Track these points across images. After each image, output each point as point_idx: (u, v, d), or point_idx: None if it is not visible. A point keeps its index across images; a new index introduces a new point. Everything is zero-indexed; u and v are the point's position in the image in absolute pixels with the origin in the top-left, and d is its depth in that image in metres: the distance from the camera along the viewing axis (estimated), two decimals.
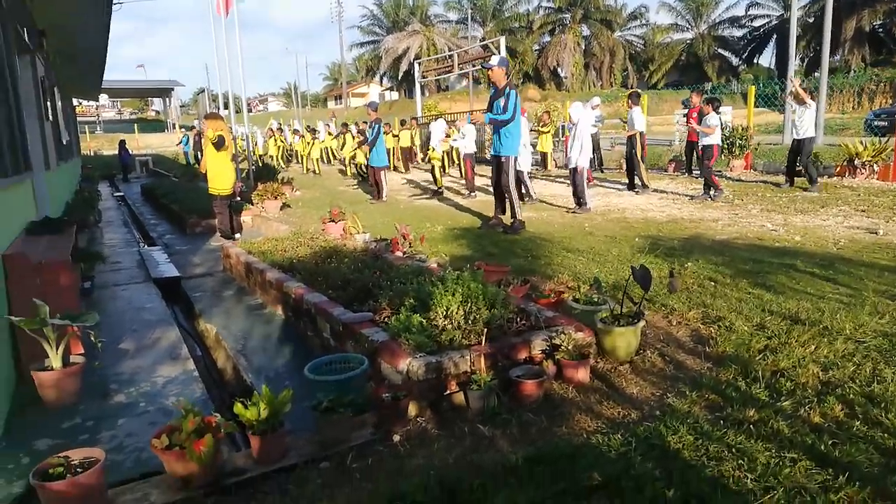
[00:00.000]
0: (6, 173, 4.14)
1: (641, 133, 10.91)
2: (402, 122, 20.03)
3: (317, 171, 19.20)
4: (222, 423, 2.57)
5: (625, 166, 11.21)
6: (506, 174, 7.50)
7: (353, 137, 18.70)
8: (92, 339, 3.60)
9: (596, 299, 3.85)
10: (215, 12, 13.62)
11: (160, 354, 4.26)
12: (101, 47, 12.82)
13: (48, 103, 8.76)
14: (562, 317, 3.64)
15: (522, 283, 4.45)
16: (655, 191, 10.65)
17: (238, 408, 2.59)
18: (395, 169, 19.29)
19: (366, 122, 16.68)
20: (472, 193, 11.34)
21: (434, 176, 12.64)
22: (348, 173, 18.35)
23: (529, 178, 10.69)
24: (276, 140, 23.86)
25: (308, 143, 20.18)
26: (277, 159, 22.84)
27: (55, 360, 3.46)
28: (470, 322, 3.37)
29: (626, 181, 11.02)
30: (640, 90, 12.22)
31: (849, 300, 4.00)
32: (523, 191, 10.21)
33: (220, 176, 8.54)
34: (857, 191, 8.94)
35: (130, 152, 23.65)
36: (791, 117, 10.24)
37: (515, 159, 7.61)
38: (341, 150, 20.42)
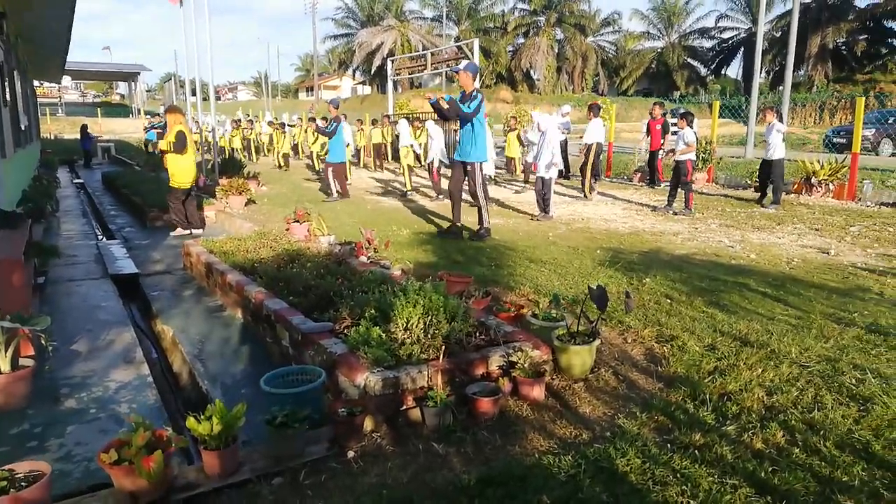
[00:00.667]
0: None
1: (599, 144, 11.10)
2: (374, 121, 19.93)
3: (283, 166, 18.98)
4: (173, 437, 2.55)
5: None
6: (473, 181, 7.53)
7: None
8: (43, 342, 3.52)
9: (554, 315, 3.91)
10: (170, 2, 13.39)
11: (114, 357, 4.18)
12: (65, 29, 12.50)
13: (6, 88, 8.49)
14: (521, 332, 3.69)
15: (484, 296, 4.49)
16: (617, 201, 10.82)
17: (191, 422, 2.57)
18: (366, 167, 19.23)
19: (325, 118, 16.62)
20: (440, 196, 11.37)
21: (405, 176, 12.66)
22: (316, 167, 18.22)
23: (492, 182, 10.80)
24: (241, 131, 23.53)
25: (280, 136, 19.94)
26: (241, 152, 22.52)
27: (3, 363, 3.38)
28: (429, 336, 3.39)
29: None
30: (600, 103, 12.38)
31: (797, 322, 4.14)
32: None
33: (183, 171, 8.43)
34: (813, 209, 9.23)
35: (93, 138, 23.06)
36: (755, 131, 10.52)
37: (482, 165, 7.64)
38: (311, 144, 20.25)
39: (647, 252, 6.68)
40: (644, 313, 4.40)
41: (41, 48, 14.24)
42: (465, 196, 7.90)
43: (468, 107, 7.23)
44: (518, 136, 14.66)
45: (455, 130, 11.03)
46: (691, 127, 9.37)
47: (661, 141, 12.09)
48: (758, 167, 10.94)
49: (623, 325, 4.15)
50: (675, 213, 9.12)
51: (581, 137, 13.15)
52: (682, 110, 13.03)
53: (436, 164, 11.84)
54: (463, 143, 7.50)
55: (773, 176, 9.64)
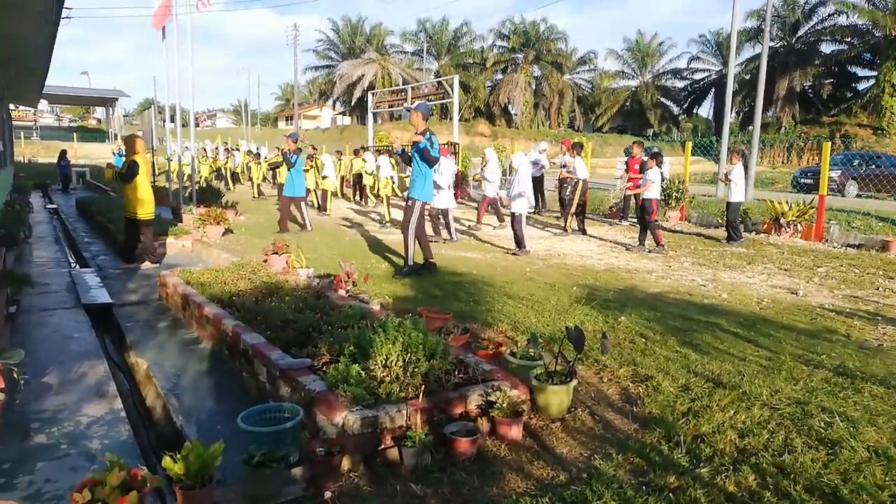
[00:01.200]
0: None
1: (585, 180, 11.36)
2: (356, 152, 20.07)
3: (256, 196, 18.99)
4: (148, 476, 2.52)
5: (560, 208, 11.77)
6: (406, 217, 7.49)
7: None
8: (14, 376, 3.46)
9: (532, 354, 3.95)
10: (151, 27, 13.48)
11: (86, 390, 4.12)
12: (45, 55, 12.44)
13: None
14: (499, 370, 3.72)
15: (463, 332, 4.53)
16: (593, 238, 11.00)
17: (167, 461, 2.55)
18: (345, 197, 19.27)
19: (314, 147, 16.73)
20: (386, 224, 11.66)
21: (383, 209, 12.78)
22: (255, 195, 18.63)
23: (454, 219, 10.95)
24: (208, 161, 23.53)
25: (257, 165, 19.94)
26: (210, 180, 22.48)
27: None
28: (408, 374, 3.41)
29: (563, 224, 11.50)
30: (582, 142, 12.68)
31: (767, 363, 4.24)
32: (445, 232, 10.53)
33: (135, 201, 8.23)
34: (782, 249, 9.46)
35: (70, 163, 22.83)
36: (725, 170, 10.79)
37: (423, 204, 7.57)
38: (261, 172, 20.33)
39: (622, 289, 6.78)
40: (620, 352, 4.46)
41: (19, 73, 14.14)
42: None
43: (434, 148, 7.28)
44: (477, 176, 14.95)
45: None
46: (660, 167, 9.61)
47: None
48: None
49: (599, 364, 4.21)
50: (649, 252, 9.29)
51: (559, 173, 13.45)
52: (654, 149, 13.38)
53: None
54: (413, 182, 7.50)
55: (729, 216, 9.95)
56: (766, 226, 10.92)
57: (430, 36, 58.93)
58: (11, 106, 24.89)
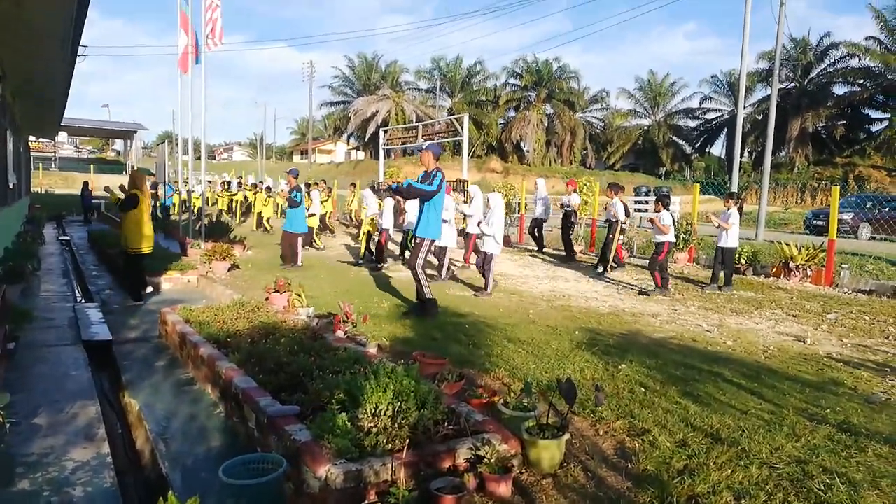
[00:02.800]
0: None
1: (620, 222, 11.33)
2: (353, 185, 20.28)
3: (268, 229, 19.10)
4: None
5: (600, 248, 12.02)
6: (415, 255, 7.52)
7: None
8: (0, 419, 3.44)
9: (526, 404, 3.87)
10: (178, 65, 13.78)
11: (75, 433, 4.08)
12: (63, 90, 12.73)
13: None
14: (491, 422, 3.64)
15: (458, 379, 4.46)
16: (599, 279, 10.91)
17: None
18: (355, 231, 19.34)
19: (324, 181, 16.89)
20: (381, 265, 11.72)
21: (368, 245, 12.77)
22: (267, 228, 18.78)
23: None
24: (227, 194, 23.81)
25: (263, 201, 20.10)
26: (226, 213, 22.74)
27: None
28: (397, 425, 3.34)
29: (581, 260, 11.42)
30: (619, 182, 12.74)
31: (769, 418, 4.12)
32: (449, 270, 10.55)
33: (136, 234, 8.35)
34: (791, 294, 9.33)
35: (93, 195, 23.18)
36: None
37: (432, 242, 7.62)
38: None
39: (625, 334, 6.69)
40: (618, 402, 4.37)
41: (38, 106, 14.47)
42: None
43: (431, 184, 7.33)
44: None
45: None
46: (667, 209, 9.56)
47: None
48: (742, 248, 11.19)
49: (596, 416, 4.11)
50: (648, 293, 9.18)
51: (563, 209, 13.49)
52: (663, 190, 13.34)
53: (386, 234, 12.12)
54: (420, 218, 7.54)
55: (724, 262, 9.81)
56: (775, 269, 10.78)
57: (444, 74, 59.86)
58: (31, 137, 25.43)
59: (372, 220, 12.73)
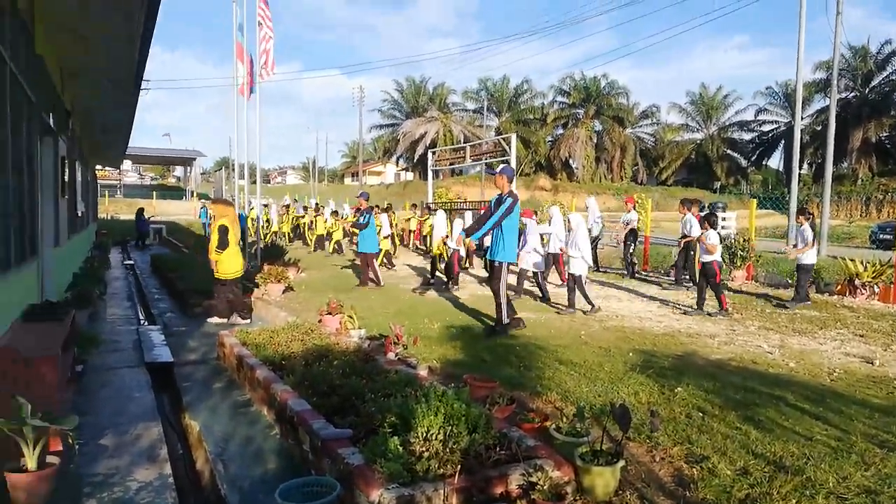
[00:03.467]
0: (8, 265, 4.25)
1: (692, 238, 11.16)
2: (414, 206, 20.48)
3: (325, 249, 19.45)
4: None
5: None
6: (497, 279, 7.61)
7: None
8: (70, 441, 3.59)
9: (579, 429, 3.82)
10: (238, 93, 14.28)
11: (139, 454, 4.22)
12: (128, 122, 13.37)
13: (66, 179, 9.06)
14: (543, 447, 3.61)
15: (508, 403, 4.43)
16: (654, 299, 10.69)
17: None
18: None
19: (390, 204, 17.20)
20: (455, 286, 11.80)
21: (434, 266, 12.86)
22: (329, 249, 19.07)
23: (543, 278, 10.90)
24: (288, 215, 24.36)
25: (325, 224, 20.49)
26: (288, 235, 23.27)
27: (31, 460, 3.44)
28: (448, 449, 3.34)
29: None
30: (698, 199, 12.63)
31: (836, 444, 3.94)
32: (541, 292, 10.57)
33: (227, 263, 8.69)
34: (857, 312, 8.93)
35: (147, 220, 24.14)
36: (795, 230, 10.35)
37: (508, 265, 7.73)
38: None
39: (680, 356, 6.52)
40: (674, 428, 4.26)
41: (104, 138, 15.24)
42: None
43: (499, 211, 7.40)
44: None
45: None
46: (714, 228, 9.33)
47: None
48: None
49: (652, 441, 4.02)
50: (710, 314, 8.93)
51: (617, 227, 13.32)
52: (719, 204, 13.05)
53: (458, 254, 12.16)
54: (493, 243, 7.65)
55: (798, 277, 9.61)
56: (839, 287, 10.36)
57: (491, 94, 60.23)
58: (98, 166, 26.71)
59: (442, 241, 12.89)
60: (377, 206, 19.35)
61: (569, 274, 9.40)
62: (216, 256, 8.66)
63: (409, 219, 20.78)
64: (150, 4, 5.15)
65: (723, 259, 12.02)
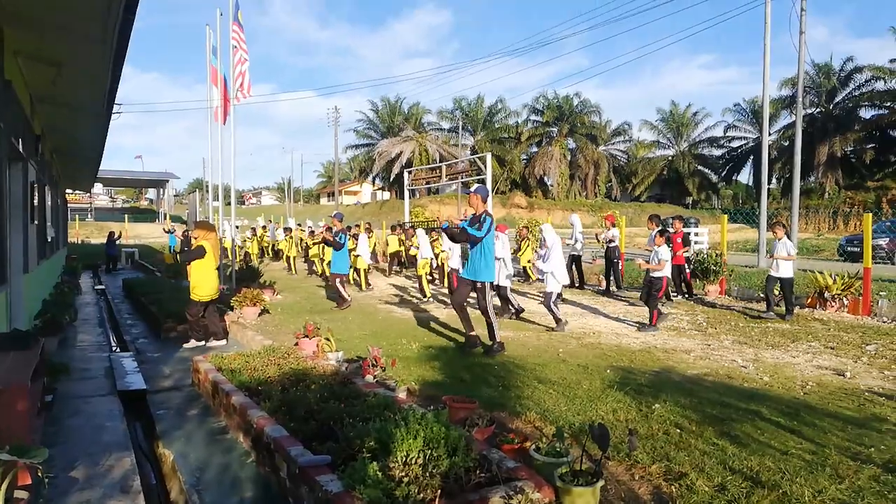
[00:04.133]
0: None
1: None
2: (393, 228, 20.45)
3: (294, 272, 19.34)
4: None
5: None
6: (484, 299, 7.67)
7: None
8: (39, 474, 3.49)
9: (558, 449, 3.82)
10: (213, 118, 14.21)
11: (111, 485, 4.11)
12: (99, 145, 13.20)
13: (36, 204, 8.91)
14: (523, 468, 3.60)
15: (488, 424, 4.42)
16: (629, 315, 10.78)
17: None
18: (383, 272, 19.48)
19: (369, 223, 17.15)
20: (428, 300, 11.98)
21: (421, 285, 12.85)
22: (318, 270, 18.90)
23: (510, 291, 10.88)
24: (259, 238, 24.20)
25: (294, 244, 20.39)
26: (255, 258, 23.11)
27: None
28: (428, 474, 3.32)
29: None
30: (659, 215, 12.73)
31: (811, 458, 4.00)
32: (513, 307, 10.50)
33: (204, 283, 8.63)
34: (828, 325, 9.10)
35: (117, 244, 23.79)
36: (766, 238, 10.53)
37: (492, 284, 7.78)
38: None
39: (657, 372, 6.58)
40: (653, 445, 4.28)
41: (75, 161, 15.02)
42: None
43: (478, 230, 7.47)
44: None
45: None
46: (668, 244, 9.47)
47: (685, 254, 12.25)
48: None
49: (631, 460, 4.03)
50: (641, 328, 9.06)
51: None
52: (671, 221, 13.27)
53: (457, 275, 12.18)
54: (473, 262, 7.68)
55: (784, 292, 9.75)
56: (809, 300, 10.55)
57: (466, 113, 60.73)
58: (68, 189, 26.30)
59: (426, 261, 12.88)
60: (358, 226, 19.37)
61: (544, 291, 9.43)
62: (195, 272, 8.65)
63: (393, 240, 20.69)
64: (121, 30, 5.12)
65: (695, 273, 12.26)
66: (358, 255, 14.87)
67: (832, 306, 10.08)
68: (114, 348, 9.06)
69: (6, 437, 3.57)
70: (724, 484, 3.62)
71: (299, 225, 25.30)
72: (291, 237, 20.83)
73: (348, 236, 12.87)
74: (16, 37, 5.57)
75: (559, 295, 9.48)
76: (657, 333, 8.82)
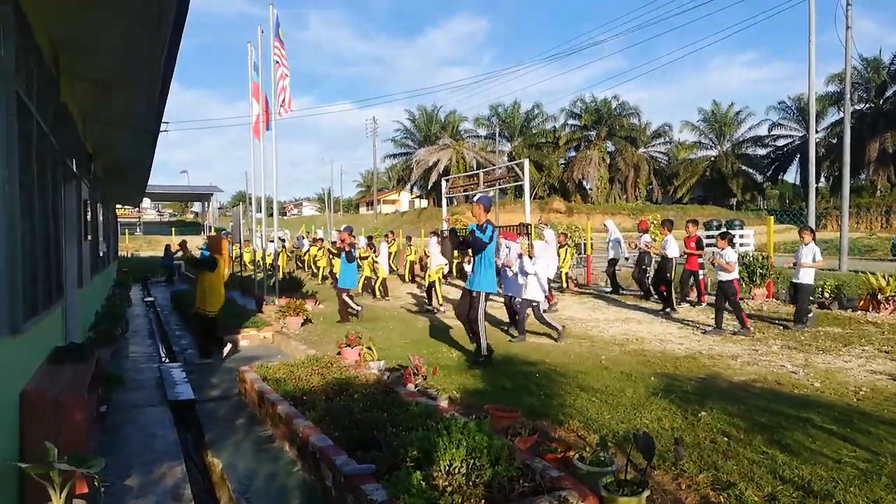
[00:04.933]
0: (35, 310, 4.34)
1: (673, 258, 11.19)
2: (436, 234, 20.57)
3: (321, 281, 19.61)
4: None
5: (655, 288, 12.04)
6: (475, 309, 7.57)
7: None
8: (95, 483, 3.62)
9: (602, 458, 3.79)
10: (252, 134, 14.55)
11: (164, 493, 4.24)
12: (147, 162, 13.63)
13: (88, 221, 9.25)
14: (567, 478, 3.58)
15: (531, 433, 4.41)
16: (674, 320, 10.61)
17: None
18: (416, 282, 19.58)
19: (391, 231, 17.24)
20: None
21: (429, 295, 12.88)
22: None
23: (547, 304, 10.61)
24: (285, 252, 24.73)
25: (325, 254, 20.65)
26: (283, 270, 23.55)
27: None
28: (471, 483, 3.33)
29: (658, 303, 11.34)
30: (672, 218, 12.60)
31: (865, 467, 3.87)
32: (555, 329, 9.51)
33: (208, 296, 8.77)
34: (882, 328, 8.79)
35: (173, 257, 24.50)
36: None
37: (487, 295, 7.66)
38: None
39: (703, 378, 6.46)
40: (699, 454, 4.21)
41: (124, 178, 15.53)
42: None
43: (486, 236, 7.39)
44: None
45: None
46: (732, 246, 9.28)
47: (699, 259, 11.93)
48: (825, 280, 10.75)
49: (677, 469, 3.97)
50: (734, 334, 8.84)
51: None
52: (735, 222, 12.99)
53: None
54: (474, 273, 7.62)
55: (798, 298, 9.33)
56: (862, 302, 10.21)
57: (503, 119, 60.67)
58: (118, 205, 27.20)
59: (439, 268, 12.89)
60: (387, 236, 19.51)
61: (524, 299, 9.13)
62: (203, 283, 8.85)
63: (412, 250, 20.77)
64: (168, 51, 5.30)
65: (741, 277, 11.97)
66: (378, 265, 14.98)
67: (886, 308, 9.73)
68: (163, 359, 9.32)
69: (65, 446, 3.71)
70: (774, 494, 3.53)
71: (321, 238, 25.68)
72: (321, 248, 21.11)
73: (367, 247, 12.93)
74: (69, 60, 5.81)
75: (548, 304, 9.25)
76: (721, 337, 8.83)
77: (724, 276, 9.04)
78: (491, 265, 7.58)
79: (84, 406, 4.16)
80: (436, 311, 12.55)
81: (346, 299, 11.89)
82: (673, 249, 11.33)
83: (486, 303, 7.69)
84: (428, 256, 14.00)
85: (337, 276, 19.48)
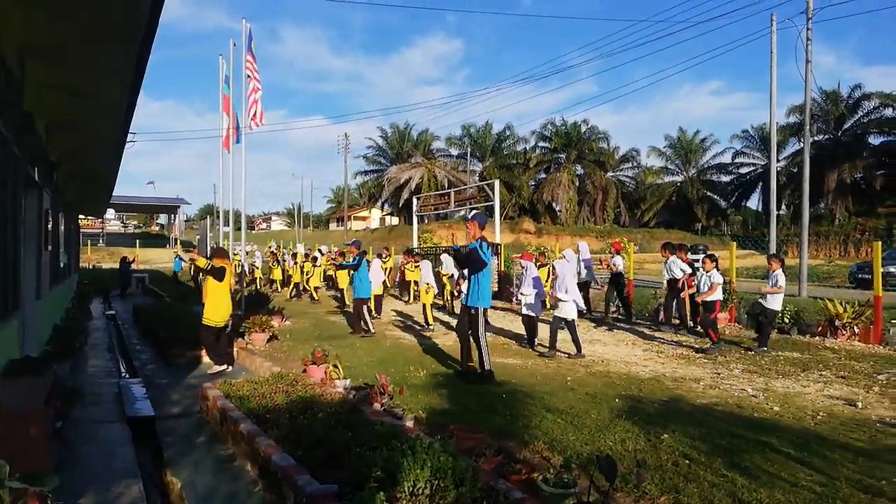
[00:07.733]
0: None
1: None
2: (407, 253, 20.52)
3: (315, 298, 19.31)
4: None
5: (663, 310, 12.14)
6: (475, 326, 7.65)
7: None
8: (49, 503, 3.51)
9: (566, 480, 3.81)
10: (223, 146, 14.44)
11: None
12: (112, 172, 13.41)
13: (49, 231, 9.04)
14: (531, 499, 3.59)
15: (495, 454, 4.40)
16: (638, 342, 10.74)
17: None
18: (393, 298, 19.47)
19: (386, 247, 17.18)
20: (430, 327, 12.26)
21: (425, 314, 12.84)
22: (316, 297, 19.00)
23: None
24: (270, 263, 24.40)
25: (307, 271, 20.42)
26: (260, 285, 23.28)
27: None
28: None
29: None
30: (672, 242, 12.82)
31: (821, 490, 3.96)
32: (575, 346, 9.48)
33: (217, 309, 8.71)
34: (839, 353, 9.03)
35: (129, 270, 24.00)
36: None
37: (485, 310, 7.81)
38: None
39: (666, 401, 6.54)
40: (661, 476, 4.25)
41: (89, 187, 15.24)
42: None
43: (486, 255, 7.52)
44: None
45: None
46: (717, 268, 9.84)
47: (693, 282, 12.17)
48: (784, 306, 11.00)
49: (639, 491, 4.01)
50: (698, 351, 9.12)
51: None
52: (700, 247, 13.28)
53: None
54: (470, 289, 7.70)
55: (762, 320, 9.54)
56: (820, 328, 10.48)
57: (475, 140, 61.23)
58: (80, 215, 26.60)
59: (428, 287, 12.92)
60: (381, 253, 19.52)
61: (556, 317, 9.47)
62: (211, 295, 8.80)
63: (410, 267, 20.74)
64: (137, 62, 5.26)
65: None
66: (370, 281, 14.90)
67: (843, 335, 10.00)
68: (123, 374, 9.10)
69: (22, 461, 3.59)
70: None
71: (307, 252, 25.47)
72: (297, 263, 20.91)
73: (366, 261, 12.93)
74: (36, 68, 5.72)
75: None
76: (715, 353, 9.17)
77: (712, 297, 9.65)
78: (487, 281, 7.69)
79: (39, 421, 4.04)
80: (429, 328, 12.60)
81: (364, 313, 11.92)
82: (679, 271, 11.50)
83: (485, 318, 7.81)
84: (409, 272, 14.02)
85: (313, 288, 19.53)
